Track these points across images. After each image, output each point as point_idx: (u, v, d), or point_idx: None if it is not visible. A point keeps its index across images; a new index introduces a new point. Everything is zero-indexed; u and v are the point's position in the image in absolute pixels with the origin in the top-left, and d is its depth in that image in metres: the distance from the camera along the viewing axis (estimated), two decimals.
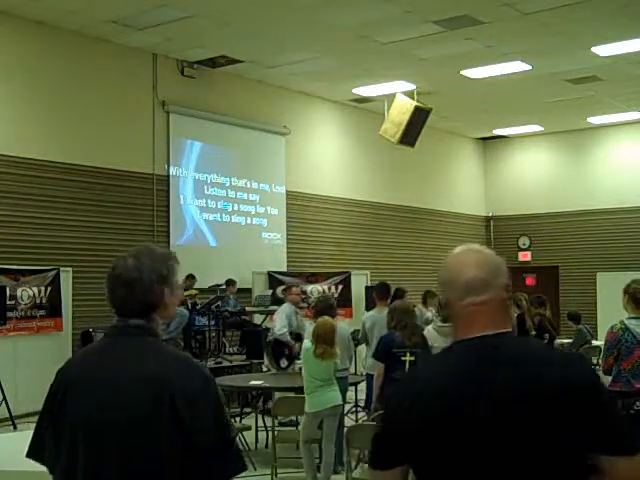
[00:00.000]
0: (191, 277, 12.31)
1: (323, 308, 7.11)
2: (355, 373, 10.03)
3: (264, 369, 10.70)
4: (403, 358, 6.69)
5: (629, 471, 1.76)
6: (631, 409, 5.23)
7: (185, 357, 2.23)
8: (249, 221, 14.57)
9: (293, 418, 8.27)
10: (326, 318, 6.67)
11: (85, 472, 2.10)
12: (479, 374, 1.86)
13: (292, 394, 7.52)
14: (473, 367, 1.87)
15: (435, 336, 7.21)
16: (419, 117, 11.32)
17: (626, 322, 5.48)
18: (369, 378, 7.70)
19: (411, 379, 2.06)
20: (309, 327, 7.32)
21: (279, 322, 9.31)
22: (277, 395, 8.21)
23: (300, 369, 7.19)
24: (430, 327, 7.52)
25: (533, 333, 8.63)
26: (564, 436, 1.78)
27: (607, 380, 5.61)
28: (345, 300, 13.85)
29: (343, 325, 8.05)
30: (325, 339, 6.47)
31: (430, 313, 11.36)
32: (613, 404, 1.91)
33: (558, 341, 11.84)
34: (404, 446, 1.92)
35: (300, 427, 7.11)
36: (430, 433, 1.86)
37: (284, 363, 8.85)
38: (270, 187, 14.94)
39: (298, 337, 8.91)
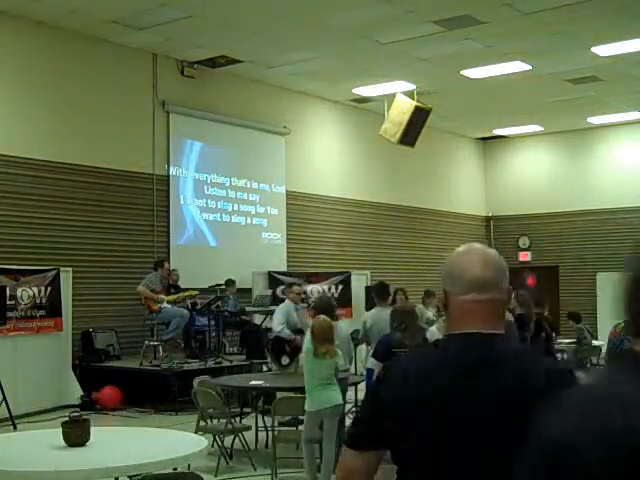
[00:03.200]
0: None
1: (323, 308, 7.11)
2: (355, 373, 10.02)
3: (264, 369, 10.72)
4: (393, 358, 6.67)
5: None
6: None
7: None
8: (249, 221, 14.57)
9: (291, 417, 8.26)
10: (322, 317, 6.66)
11: None
12: (469, 368, 1.90)
13: (292, 394, 7.51)
14: (464, 361, 1.92)
15: (438, 335, 7.21)
16: (419, 117, 11.32)
17: None
18: (369, 372, 7.69)
19: (403, 365, 2.07)
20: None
21: (276, 319, 9.34)
22: (277, 395, 8.22)
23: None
24: (434, 327, 7.52)
25: (532, 333, 8.62)
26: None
27: None
28: (345, 300, 13.85)
29: (342, 325, 8.05)
30: (325, 338, 6.46)
31: (430, 313, 11.36)
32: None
33: (558, 341, 11.86)
34: (386, 429, 1.94)
35: (301, 427, 7.11)
36: (416, 420, 1.90)
37: (285, 360, 8.85)
38: (270, 187, 14.94)
39: (300, 332, 8.90)
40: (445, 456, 1.88)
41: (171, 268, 12.38)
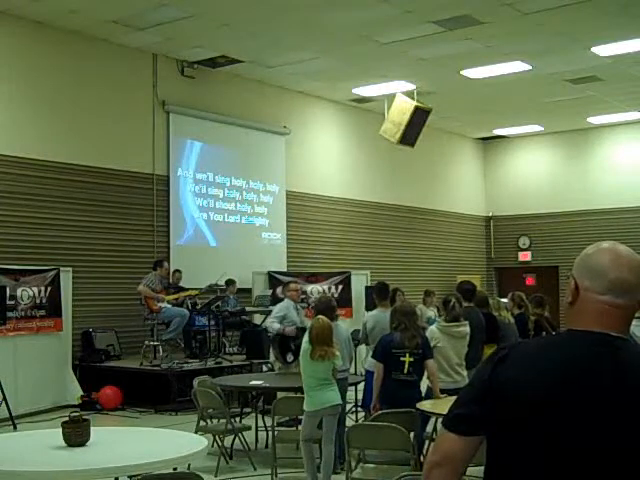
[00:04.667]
0: (176, 271, 12.40)
1: (323, 309, 7.09)
2: (355, 373, 10.02)
3: (264, 369, 10.71)
4: (402, 359, 6.68)
5: None
6: None
7: None
8: (249, 221, 14.57)
9: (289, 418, 8.26)
10: (321, 317, 6.65)
11: None
12: (595, 367, 1.86)
13: (292, 394, 7.51)
14: (590, 358, 1.87)
15: (438, 335, 7.20)
16: (419, 117, 11.31)
17: None
18: (369, 375, 7.69)
19: (522, 351, 1.96)
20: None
21: (272, 314, 9.34)
22: (277, 395, 8.22)
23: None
24: (434, 327, 7.50)
25: (532, 333, 8.63)
26: None
27: None
28: (345, 300, 13.84)
29: (342, 325, 8.04)
30: (324, 340, 6.45)
31: (432, 312, 11.36)
32: None
33: None
34: (499, 412, 1.86)
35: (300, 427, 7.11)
36: (540, 407, 1.83)
37: (290, 358, 8.83)
38: (270, 187, 14.94)
39: (303, 331, 8.87)
40: (572, 448, 1.81)
41: (171, 268, 12.39)
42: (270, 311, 11.85)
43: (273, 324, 9.10)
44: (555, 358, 1.89)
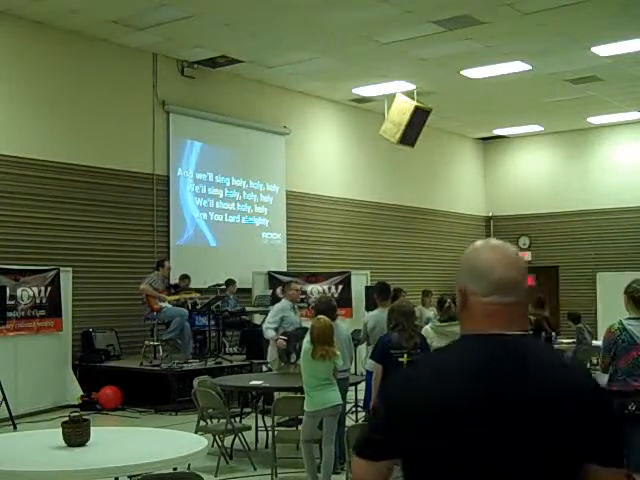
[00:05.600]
0: (185, 277, 12.36)
1: (323, 309, 7.09)
2: (355, 373, 10.02)
3: (264, 369, 10.71)
4: (400, 359, 6.67)
5: None
6: (625, 409, 5.23)
7: None
8: (249, 221, 14.57)
9: (289, 418, 8.26)
10: (322, 317, 6.65)
11: None
12: (496, 371, 1.82)
13: (292, 394, 7.51)
14: (490, 363, 1.83)
15: (432, 335, 7.20)
16: (419, 117, 11.31)
17: (625, 322, 5.48)
18: (369, 375, 7.69)
19: (418, 370, 1.94)
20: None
21: (268, 317, 9.34)
22: (277, 395, 8.22)
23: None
24: (428, 327, 7.50)
25: (530, 333, 8.62)
26: (566, 444, 1.79)
27: (605, 379, 5.61)
28: (345, 300, 13.84)
29: (342, 325, 8.04)
30: (325, 339, 6.45)
31: (432, 313, 11.36)
32: (616, 417, 1.90)
33: (558, 341, 11.86)
34: (402, 438, 1.82)
35: (300, 427, 7.11)
36: (436, 428, 1.79)
37: (293, 358, 8.82)
38: (270, 187, 14.94)
39: (304, 331, 8.86)
40: (472, 461, 1.78)
41: (172, 268, 12.36)
42: (269, 311, 11.86)
43: (268, 330, 9.11)
44: (447, 368, 1.85)
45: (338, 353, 6.55)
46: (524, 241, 19.92)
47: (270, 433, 7.66)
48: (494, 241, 1.98)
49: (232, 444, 7.86)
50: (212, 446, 7.25)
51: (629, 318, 5.51)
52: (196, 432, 6.78)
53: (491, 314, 1.87)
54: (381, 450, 1.87)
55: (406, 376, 1.92)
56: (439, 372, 1.85)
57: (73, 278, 11.28)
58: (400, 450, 1.85)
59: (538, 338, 8.63)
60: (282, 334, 9.04)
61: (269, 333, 9.09)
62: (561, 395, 1.79)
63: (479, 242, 1.98)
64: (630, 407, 5.21)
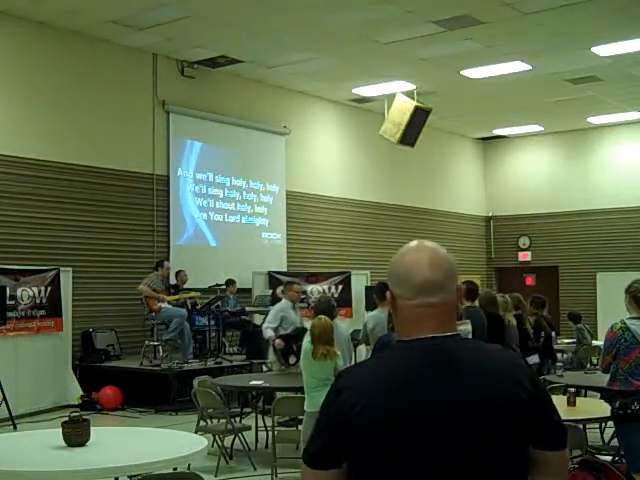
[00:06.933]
0: (179, 271, 12.35)
1: (323, 309, 7.09)
2: None
3: (264, 369, 10.71)
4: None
5: (561, 462, 1.95)
6: (628, 409, 5.23)
7: None
8: (249, 221, 14.57)
9: (289, 418, 8.26)
10: (322, 317, 6.65)
11: None
12: (430, 375, 1.81)
13: (292, 394, 7.51)
14: (424, 368, 1.82)
15: None
16: (419, 117, 11.31)
17: (627, 322, 5.48)
18: None
19: (359, 376, 1.90)
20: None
21: (268, 317, 9.34)
22: (277, 395, 8.21)
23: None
24: None
25: (532, 332, 8.62)
26: (512, 436, 1.82)
27: (605, 378, 5.62)
28: (345, 300, 13.85)
29: (342, 325, 8.04)
30: (325, 339, 6.45)
31: None
32: (551, 401, 1.94)
33: (558, 341, 11.86)
34: (347, 447, 1.80)
35: (301, 427, 7.11)
36: (378, 435, 1.78)
37: (292, 360, 8.82)
38: (270, 187, 14.94)
39: (303, 331, 8.86)
40: (410, 468, 1.77)
41: (172, 268, 12.36)
42: (269, 311, 11.86)
43: (267, 330, 9.12)
44: (380, 377, 1.84)
45: (339, 353, 6.55)
46: (524, 241, 19.93)
47: (270, 433, 7.66)
48: (420, 243, 1.98)
49: (232, 444, 7.86)
50: (212, 446, 7.25)
51: (631, 318, 5.51)
52: (196, 432, 6.78)
53: (420, 317, 1.87)
54: (325, 459, 1.85)
55: (341, 386, 1.88)
56: (374, 380, 1.83)
57: (73, 278, 11.28)
58: (338, 459, 1.83)
59: (536, 338, 8.62)
60: (280, 336, 9.07)
61: (268, 333, 9.10)
62: (497, 390, 1.81)
63: (407, 245, 1.99)
64: (633, 407, 5.21)
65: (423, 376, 1.81)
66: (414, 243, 1.99)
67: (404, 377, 1.82)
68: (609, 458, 6.00)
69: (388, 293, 1.95)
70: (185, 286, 12.40)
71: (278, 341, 8.82)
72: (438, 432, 1.78)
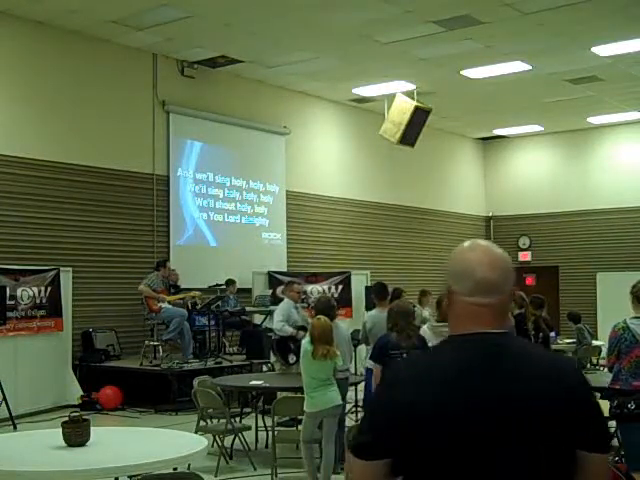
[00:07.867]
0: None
1: (323, 309, 7.09)
2: (355, 373, 10.02)
3: (264, 369, 10.71)
4: (399, 359, 6.66)
5: (602, 465, 1.94)
6: (625, 408, 5.24)
7: None
8: (249, 221, 14.57)
9: (289, 418, 8.26)
10: (322, 317, 6.64)
11: None
12: (483, 369, 1.85)
13: (292, 394, 7.51)
14: (477, 362, 1.87)
15: (429, 335, 7.18)
16: (419, 117, 11.31)
17: (628, 322, 5.49)
18: (369, 373, 7.68)
19: (411, 369, 1.95)
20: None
21: (276, 318, 9.33)
22: (277, 395, 8.22)
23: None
24: (425, 327, 7.49)
25: (532, 333, 8.62)
26: (560, 434, 1.84)
27: (606, 378, 5.63)
28: (345, 300, 13.85)
29: (342, 325, 8.04)
30: (325, 339, 6.45)
31: (427, 312, 11.36)
32: (599, 406, 1.98)
33: (558, 341, 11.86)
34: (397, 439, 1.84)
35: (300, 427, 7.11)
36: (427, 429, 1.82)
37: (292, 359, 8.82)
38: (270, 187, 14.94)
39: (303, 329, 8.86)
40: (465, 460, 1.81)
41: (171, 268, 12.38)
42: (270, 311, 11.87)
43: (284, 327, 9.08)
44: (431, 371, 1.88)
45: (338, 353, 6.55)
46: (524, 241, 19.93)
47: (270, 433, 7.66)
48: (479, 241, 2.01)
49: (232, 444, 7.86)
50: (212, 446, 7.25)
51: (633, 317, 5.53)
52: (196, 432, 6.79)
53: (475, 314, 1.92)
54: (376, 450, 1.88)
55: (393, 378, 1.93)
56: (427, 373, 1.88)
57: (73, 278, 11.28)
58: (389, 451, 1.86)
59: (535, 338, 8.62)
60: (278, 337, 9.06)
61: (286, 329, 9.07)
62: (549, 390, 1.84)
63: (465, 243, 2.01)
64: (629, 406, 5.22)
65: (474, 370, 1.86)
66: (471, 242, 2.01)
67: (455, 371, 1.87)
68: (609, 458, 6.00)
69: (446, 289, 2.00)
70: (185, 286, 12.41)
71: (302, 333, 8.77)
72: (488, 426, 1.81)
